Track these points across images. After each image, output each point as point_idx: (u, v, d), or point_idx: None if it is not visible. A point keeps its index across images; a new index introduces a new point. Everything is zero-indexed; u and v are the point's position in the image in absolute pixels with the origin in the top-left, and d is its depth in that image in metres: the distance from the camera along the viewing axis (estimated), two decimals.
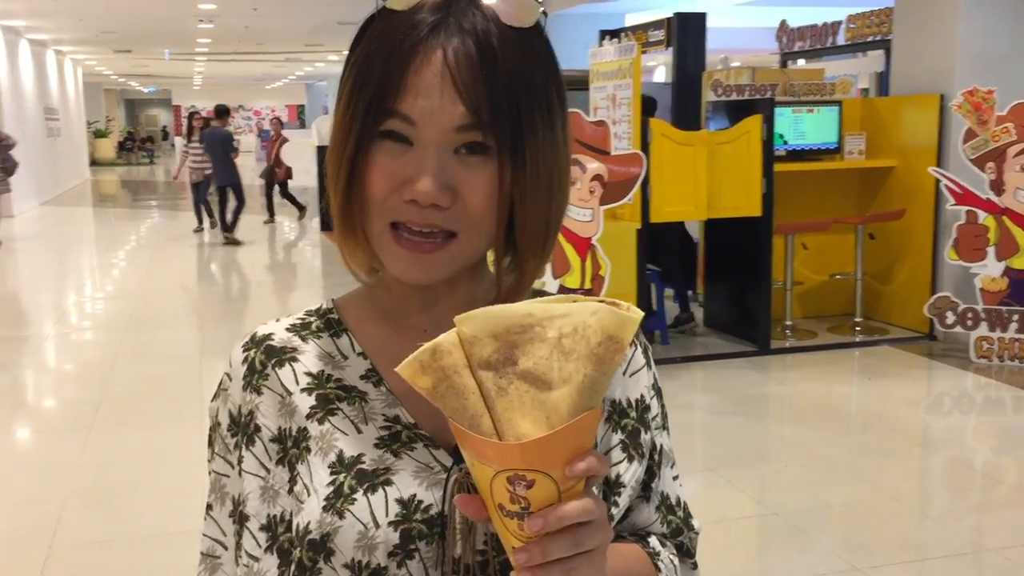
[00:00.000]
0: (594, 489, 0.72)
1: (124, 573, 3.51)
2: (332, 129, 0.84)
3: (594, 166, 5.09)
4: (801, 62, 10.25)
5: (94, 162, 29.69)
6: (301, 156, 15.24)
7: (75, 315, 8.45)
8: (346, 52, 0.85)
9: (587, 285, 5.21)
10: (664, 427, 0.98)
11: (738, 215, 5.97)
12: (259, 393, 0.88)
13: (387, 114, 0.79)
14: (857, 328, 6.68)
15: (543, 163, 0.81)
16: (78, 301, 9.06)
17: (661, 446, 0.97)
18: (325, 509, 0.81)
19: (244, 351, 0.91)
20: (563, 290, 4.99)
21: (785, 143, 6.60)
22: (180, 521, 3.67)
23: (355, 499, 0.81)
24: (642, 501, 0.95)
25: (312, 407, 0.87)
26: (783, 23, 9.96)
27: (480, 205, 0.80)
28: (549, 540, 0.68)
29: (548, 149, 0.82)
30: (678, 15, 8.68)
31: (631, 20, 11.48)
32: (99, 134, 32.12)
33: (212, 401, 0.93)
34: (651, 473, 0.95)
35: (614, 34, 8.85)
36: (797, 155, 6.68)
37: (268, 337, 0.91)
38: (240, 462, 0.88)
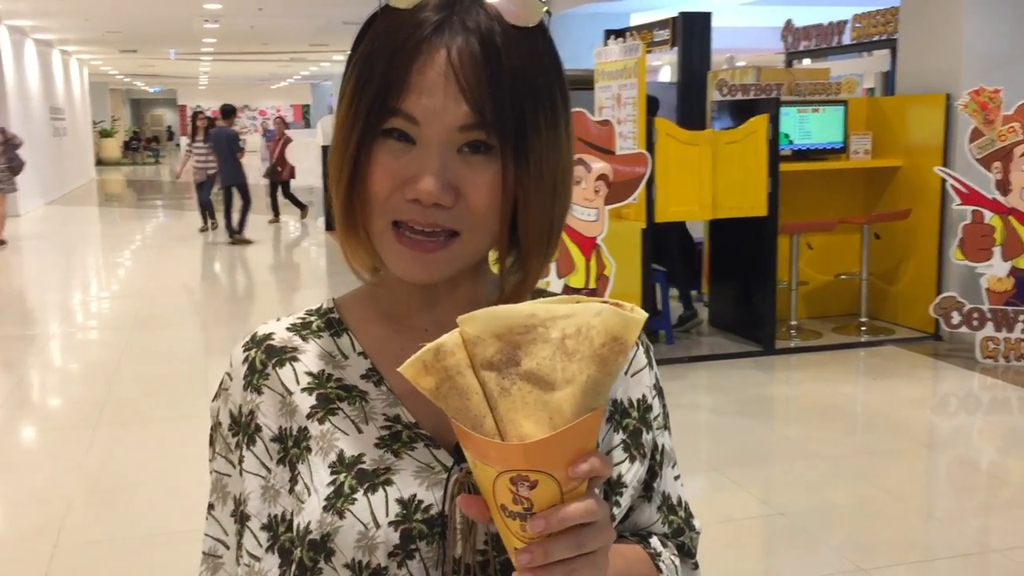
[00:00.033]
0: (596, 490, 0.71)
1: (128, 571, 3.52)
2: (334, 127, 0.84)
3: (599, 166, 5.09)
4: (806, 61, 10.22)
5: (100, 162, 29.79)
6: (306, 155, 15.26)
7: (80, 314, 8.47)
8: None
9: (592, 285, 5.20)
10: (665, 427, 0.98)
11: (743, 215, 5.96)
12: (260, 393, 0.88)
13: (390, 113, 0.78)
14: (862, 328, 6.66)
15: (546, 163, 0.81)
16: (83, 300, 9.07)
17: (663, 446, 0.96)
18: (325, 509, 0.81)
19: (245, 351, 0.91)
20: (568, 290, 4.98)
21: (790, 143, 6.59)
22: (185, 520, 3.68)
23: (355, 499, 0.81)
24: (643, 501, 0.95)
25: (312, 407, 0.87)
26: (788, 22, 9.94)
27: (483, 204, 0.80)
28: (551, 541, 0.68)
29: (551, 149, 0.81)
30: (683, 15, 8.67)
31: (636, 20, 11.47)
32: (105, 134, 32.20)
33: (213, 401, 0.93)
34: (652, 473, 0.95)
35: (619, 33, 8.84)
36: (802, 155, 6.67)
37: (269, 337, 0.91)
38: (241, 462, 0.88)
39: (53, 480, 4.37)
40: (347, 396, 0.87)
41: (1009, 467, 4.56)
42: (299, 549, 0.82)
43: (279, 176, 13.85)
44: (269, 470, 0.86)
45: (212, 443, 0.92)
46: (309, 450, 0.85)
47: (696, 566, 1.00)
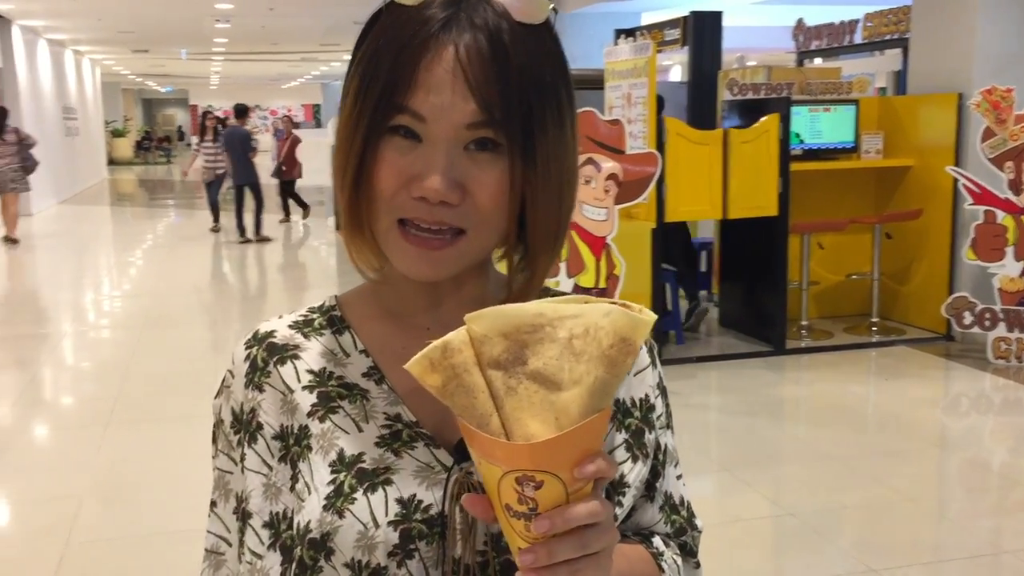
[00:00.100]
0: (600, 491, 0.71)
1: (139, 569, 3.53)
2: (339, 125, 0.83)
3: (609, 165, 5.08)
4: (818, 61, 10.19)
5: (112, 161, 29.91)
6: (317, 155, 15.28)
7: (92, 313, 8.51)
8: None
9: (602, 284, 5.19)
10: (668, 426, 0.97)
11: (754, 215, 5.94)
12: (261, 390, 0.88)
13: (396, 110, 0.78)
14: (873, 328, 6.64)
15: (553, 161, 0.81)
16: (95, 299, 9.11)
17: (665, 445, 0.96)
18: (325, 508, 0.81)
19: (246, 348, 0.91)
20: (578, 289, 4.97)
21: (801, 142, 6.57)
22: (195, 518, 3.67)
23: (355, 498, 0.81)
24: (646, 501, 0.95)
25: (313, 405, 0.86)
26: (800, 22, 9.90)
27: (489, 202, 0.79)
28: (556, 541, 0.67)
29: (558, 147, 0.81)
30: (694, 14, 8.65)
31: (647, 19, 11.45)
32: (117, 133, 32.34)
33: (215, 398, 0.93)
34: (655, 473, 0.94)
35: (630, 33, 8.83)
36: (814, 154, 6.65)
37: (270, 334, 0.91)
38: (243, 459, 0.88)
39: (64, 478, 4.38)
40: (348, 394, 0.87)
41: (1021, 468, 4.54)
42: (299, 547, 0.82)
43: (284, 175, 13.87)
44: (271, 468, 0.86)
45: (215, 440, 0.92)
46: (310, 448, 0.84)
47: (698, 565, 1.00)
